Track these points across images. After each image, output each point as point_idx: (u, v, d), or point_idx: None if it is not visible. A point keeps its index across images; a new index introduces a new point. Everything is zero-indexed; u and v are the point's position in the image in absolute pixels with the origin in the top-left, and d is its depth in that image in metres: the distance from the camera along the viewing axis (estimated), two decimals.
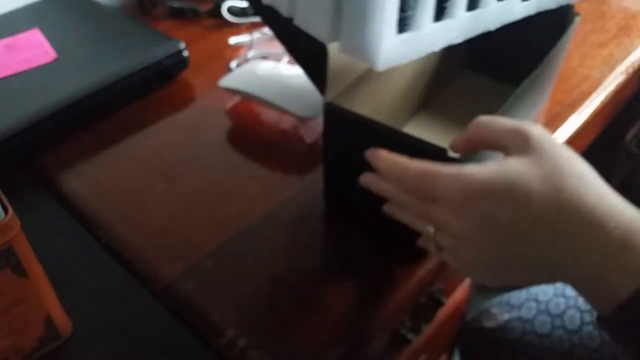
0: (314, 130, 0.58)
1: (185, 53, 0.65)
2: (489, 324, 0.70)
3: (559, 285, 0.67)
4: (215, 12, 0.77)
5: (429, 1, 0.38)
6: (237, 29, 0.76)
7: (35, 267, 0.38)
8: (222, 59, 0.70)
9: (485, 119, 0.37)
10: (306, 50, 0.45)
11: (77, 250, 0.49)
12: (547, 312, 0.65)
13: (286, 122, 0.60)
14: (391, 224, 0.42)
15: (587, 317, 0.62)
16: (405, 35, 0.38)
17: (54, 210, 0.53)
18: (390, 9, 0.36)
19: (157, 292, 0.45)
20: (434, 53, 0.41)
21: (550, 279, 0.35)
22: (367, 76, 0.49)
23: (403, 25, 0.37)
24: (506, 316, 0.68)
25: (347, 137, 0.44)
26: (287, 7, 0.41)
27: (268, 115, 0.62)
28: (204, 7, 0.79)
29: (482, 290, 0.85)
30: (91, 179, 0.54)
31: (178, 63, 0.65)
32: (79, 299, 0.44)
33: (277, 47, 0.71)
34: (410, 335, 0.55)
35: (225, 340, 0.41)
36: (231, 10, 0.76)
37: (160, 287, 0.45)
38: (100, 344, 0.42)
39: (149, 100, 0.64)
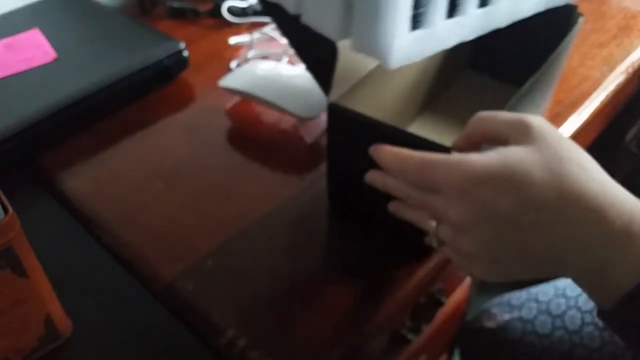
0: (314, 130, 0.58)
1: (185, 53, 0.65)
2: (489, 324, 0.70)
3: (560, 285, 0.67)
4: (215, 12, 0.77)
5: None
6: (237, 29, 0.76)
7: (35, 267, 0.37)
8: (222, 59, 0.70)
9: (484, 113, 0.37)
10: (314, 49, 0.45)
11: (77, 250, 0.49)
12: (548, 313, 0.65)
13: (286, 122, 0.60)
14: (395, 222, 0.42)
15: (588, 318, 0.62)
16: (417, 32, 0.37)
17: (54, 210, 0.53)
18: (403, 6, 0.35)
19: (157, 292, 0.45)
20: (438, 53, 0.41)
21: (551, 272, 0.34)
22: (371, 77, 0.49)
23: (416, 22, 0.37)
24: (506, 316, 0.68)
25: (351, 137, 0.44)
26: (294, 4, 0.40)
27: (268, 115, 0.62)
28: (204, 7, 0.79)
29: (482, 290, 0.85)
30: (91, 179, 0.54)
31: (178, 63, 0.65)
32: (79, 299, 0.44)
33: (277, 47, 0.71)
34: (410, 335, 0.55)
35: (225, 340, 0.41)
36: (231, 10, 0.76)
37: (160, 287, 0.45)
38: (100, 344, 0.42)
39: (149, 100, 0.64)
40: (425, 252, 0.46)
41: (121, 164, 0.56)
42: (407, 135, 0.40)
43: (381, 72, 0.49)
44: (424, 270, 0.46)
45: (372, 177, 0.40)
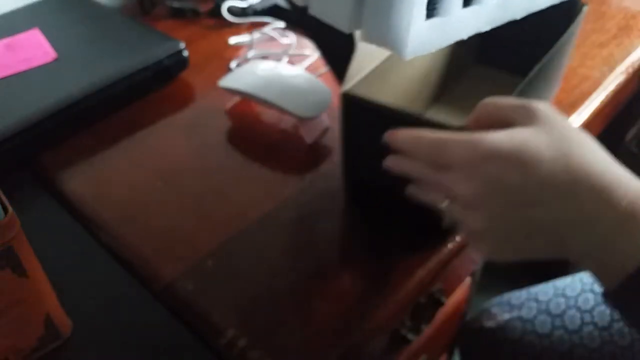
0: (314, 130, 0.58)
1: (185, 53, 0.65)
2: (489, 323, 0.70)
3: (560, 285, 0.67)
4: (215, 12, 0.77)
5: None
6: (237, 29, 0.76)
7: (35, 267, 0.37)
8: (222, 59, 0.70)
9: (492, 98, 0.37)
10: (331, 40, 0.45)
11: (77, 250, 0.49)
12: (548, 312, 0.65)
13: (286, 122, 0.60)
14: (410, 208, 0.42)
15: (588, 317, 0.62)
16: (433, 20, 0.37)
17: (54, 210, 0.53)
18: None
19: (157, 292, 0.45)
20: (447, 46, 0.41)
21: (557, 251, 0.34)
22: (380, 70, 0.49)
23: (432, 9, 0.36)
24: (506, 316, 0.68)
25: (365, 125, 0.44)
26: None
27: (268, 115, 0.62)
28: (204, 7, 0.79)
29: (482, 290, 0.85)
30: (91, 179, 0.54)
31: (178, 63, 0.65)
32: (79, 299, 0.44)
33: (277, 47, 0.72)
34: (410, 335, 0.55)
35: (225, 340, 0.41)
36: (231, 10, 0.76)
37: (160, 287, 0.45)
38: (100, 344, 0.42)
39: (149, 100, 0.64)
40: (438, 236, 0.47)
41: (121, 164, 0.56)
42: (420, 118, 0.41)
43: (390, 65, 0.49)
44: (424, 270, 0.46)
45: (389, 161, 0.40)
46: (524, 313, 0.67)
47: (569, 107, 0.62)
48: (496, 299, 0.72)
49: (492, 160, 0.33)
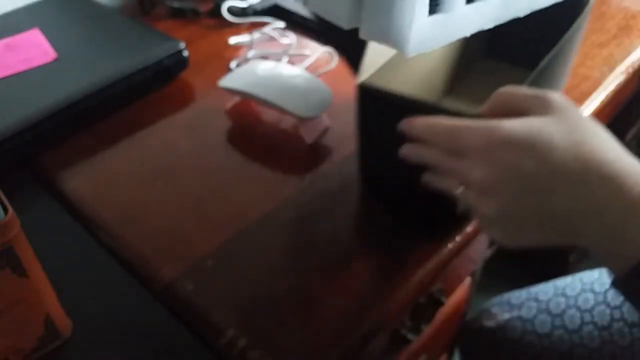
0: (314, 130, 0.58)
1: (185, 53, 0.65)
2: (489, 323, 0.70)
3: (560, 285, 0.67)
4: (215, 12, 0.77)
5: None
6: (237, 29, 0.76)
7: (35, 267, 0.38)
8: (222, 59, 0.70)
9: (507, 88, 0.38)
10: (344, 32, 0.45)
11: (77, 250, 0.49)
12: (548, 312, 0.65)
13: (286, 122, 0.60)
14: (424, 197, 0.43)
15: (588, 317, 0.62)
16: (436, 17, 0.36)
17: (54, 210, 0.53)
18: None
19: (157, 292, 0.45)
20: (456, 41, 0.41)
21: (567, 238, 0.35)
22: (392, 65, 0.50)
23: (435, 5, 0.36)
24: (506, 316, 0.68)
25: (380, 116, 0.45)
26: None
27: (268, 115, 0.62)
28: (204, 7, 0.79)
29: (482, 289, 0.85)
30: (91, 179, 0.54)
31: (178, 63, 0.65)
32: (79, 299, 0.44)
33: (277, 47, 0.72)
34: (410, 335, 0.55)
35: (225, 340, 0.41)
36: (231, 10, 0.76)
37: (160, 287, 0.45)
38: (100, 344, 0.42)
39: (149, 100, 0.64)
40: (449, 227, 0.48)
41: (121, 164, 0.56)
42: (436, 107, 0.41)
43: (401, 59, 0.49)
44: (424, 270, 0.46)
45: (406, 150, 0.41)
46: (524, 313, 0.67)
47: None
48: (496, 299, 0.72)
49: (507, 147, 0.34)
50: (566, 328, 0.63)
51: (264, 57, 0.69)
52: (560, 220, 0.34)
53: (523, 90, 0.37)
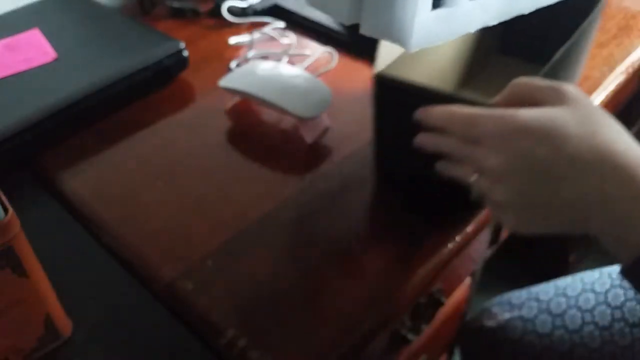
0: (314, 130, 0.58)
1: (185, 53, 0.65)
2: (490, 323, 0.70)
3: (560, 285, 0.67)
4: (215, 12, 0.77)
5: None
6: (237, 29, 0.76)
7: (35, 267, 0.37)
8: (222, 59, 0.70)
9: (523, 78, 0.39)
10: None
11: (77, 250, 0.49)
12: (548, 312, 0.65)
13: (286, 122, 0.60)
14: (439, 184, 0.44)
15: (588, 317, 0.62)
16: (439, 11, 0.36)
17: (54, 210, 0.53)
18: None
19: (157, 292, 0.45)
20: (470, 36, 0.41)
21: (578, 225, 0.36)
22: (406, 59, 0.50)
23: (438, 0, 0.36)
24: (507, 315, 0.68)
25: (397, 106, 0.45)
26: None
27: (268, 115, 0.62)
28: (204, 7, 0.79)
29: (482, 289, 0.85)
30: (91, 179, 0.54)
31: (178, 63, 0.65)
32: (79, 299, 0.44)
33: (277, 47, 0.72)
34: (410, 335, 0.55)
35: (225, 340, 0.41)
36: (231, 10, 0.76)
37: (160, 287, 0.45)
38: (100, 344, 0.42)
39: (149, 100, 0.64)
40: (463, 212, 0.49)
41: (121, 164, 0.56)
42: (452, 96, 0.42)
43: (415, 54, 0.49)
44: (424, 270, 0.46)
45: (421, 138, 0.42)
46: (525, 313, 0.67)
47: None
48: (497, 299, 0.72)
49: (522, 135, 0.35)
50: (567, 328, 0.63)
51: (264, 57, 0.69)
52: (572, 207, 0.35)
53: (538, 82, 0.38)
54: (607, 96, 0.65)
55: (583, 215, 0.35)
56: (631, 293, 0.61)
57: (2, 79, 0.60)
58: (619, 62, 0.68)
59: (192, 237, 0.48)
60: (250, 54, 0.70)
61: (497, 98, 0.40)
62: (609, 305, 0.62)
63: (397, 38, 0.35)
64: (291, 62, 0.69)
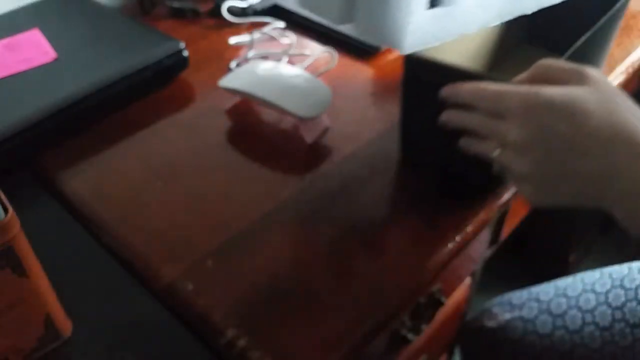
0: (314, 130, 0.58)
1: (185, 53, 0.65)
2: (490, 323, 0.70)
3: (561, 285, 0.67)
4: (215, 12, 0.77)
5: None
6: (237, 29, 0.76)
7: (35, 267, 0.37)
8: (222, 59, 0.70)
9: (547, 60, 0.42)
10: None
11: (77, 250, 0.49)
12: (549, 312, 0.65)
13: (286, 122, 0.60)
14: (463, 163, 0.46)
15: (589, 317, 0.62)
16: (436, 11, 0.36)
17: (54, 210, 0.53)
18: None
19: (157, 292, 0.45)
20: (496, 26, 0.41)
21: (593, 198, 0.38)
22: (432, 49, 0.50)
23: None
24: (507, 316, 0.68)
25: (425, 84, 0.46)
26: None
27: (268, 115, 0.62)
28: (204, 7, 0.79)
29: (482, 289, 0.85)
30: (91, 179, 0.54)
31: (178, 63, 0.65)
32: (79, 299, 0.44)
33: (277, 47, 0.71)
34: (410, 335, 0.55)
35: (225, 340, 0.41)
36: (231, 10, 0.76)
37: (160, 287, 0.45)
38: (100, 344, 0.42)
39: (149, 100, 0.64)
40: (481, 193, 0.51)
41: (121, 164, 0.56)
42: (478, 74, 0.43)
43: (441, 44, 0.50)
44: (424, 270, 0.46)
45: (447, 115, 0.44)
46: (525, 313, 0.67)
47: None
48: (497, 299, 0.72)
49: (545, 111, 0.37)
50: (567, 328, 0.63)
51: (264, 57, 0.69)
52: (588, 180, 0.37)
53: (562, 63, 0.41)
54: None
55: (598, 188, 0.37)
56: (632, 293, 0.61)
57: (2, 79, 0.60)
58: (619, 62, 0.68)
59: (192, 237, 0.48)
60: (250, 54, 0.70)
61: (522, 76, 0.43)
62: (609, 305, 0.62)
63: (391, 40, 0.35)
64: (291, 62, 0.69)
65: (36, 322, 0.40)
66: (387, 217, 0.50)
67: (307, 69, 0.67)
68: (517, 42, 0.66)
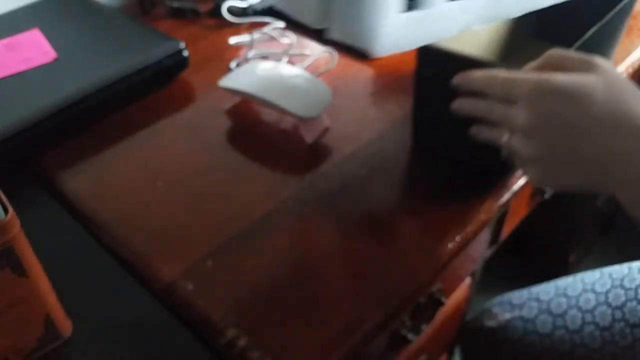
0: (314, 130, 0.58)
1: (185, 53, 0.65)
2: (490, 323, 0.70)
3: (561, 285, 0.67)
4: (215, 12, 0.77)
5: None
6: (237, 29, 0.76)
7: (35, 267, 0.37)
8: (222, 59, 0.70)
9: (557, 50, 0.43)
10: None
11: (77, 250, 0.49)
12: (549, 312, 0.65)
13: (286, 122, 0.60)
14: (473, 149, 0.47)
15: (589, 317, 0.62)
16: (412, 14, 0.35)
17: (54, 210, 0.53)
18: None
19: (157, 292, 0.45)
20: (503, 23, 0.41)
21: (598, 182, 0.39)
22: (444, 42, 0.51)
23: (411, 1, 0.35)
24: (507, 316, 0.68)
25: (437, 73, 0.47)
26: None
27: (268, 115, 0.62)
28: (204, 7, 0.79)
29: (482, 289, 0.85)
30: (91, 179, 0.54)
31: (178, 63, 0.65)
32: (79, 299, 0.44)
33: (277, 47, 0.71)
34: (410, 335, 0.55)
35: (225, 340, 0.41)
36: (231, 10, 0.76)
37: (160, 287, 0.45)
38: (100, 344, 0.42)
39: (149, 100, 0.64)
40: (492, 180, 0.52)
41: (121, 164, 0.56)
42: (489, 62, 0.45)
43: (451, 39, 0.50)
44: (424, 270, 0.46)
45: (459, 103, 0.46)
46: (525, 313, 0.67)
47: None
48: (497, 299, 0.72)
49: (554, 97, 0.38)
50: (567, 328, 0.63)
51: (264, 57, 0.69)
52: (593, 164, 0.38)
53: (571, 53, 0.42)
54: None
55: (603, 173, 0.38)
56: (632, 293, 0.61)
57: (2, 79, 0.60)
58: (619, 62, 0.68)
59: (192, 237, 0.48)
60: (250, 54, 0.70)
61: (532, 65, 0.44)
62: (609, 305, 0.62)
63: (364, 43, 0.35)
64: (291, 62, 0.69)
65: (36, 322, 0.40)
66: (387, 217, 0.50)
67: (307, 69, 0.67)
68: (526, 37, 0.66)
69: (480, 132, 0.46)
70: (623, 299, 0.61)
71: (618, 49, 0.70)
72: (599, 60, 0.40)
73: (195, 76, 0.67)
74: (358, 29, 0.34)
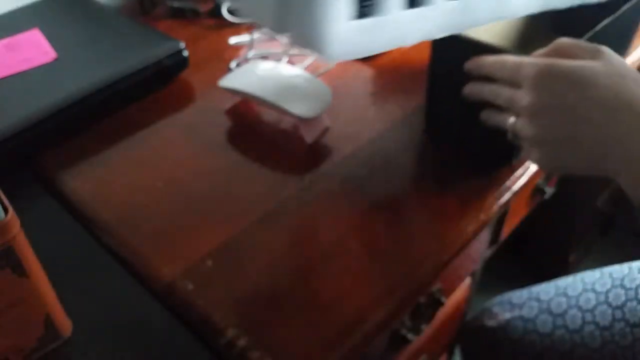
0: (314, 130, 0.58)
1: (185, 53, 0.65)
2: (490, 323, 0.70)
3: (561, 285, 0.67)
4: (215, 12, 0.77)
5: None
6: (237, 29, 0.76)
7: (35, 267, 0.37)
8: (222, 59, 0.70)
9: (565, 39, 0.45)
10: None
11: (77, 250, 0.49)
12: (549, 312, 0.65)
13: (286, 122, 0.60)
14: (482, 135, 0.49)
15: (589, 317, 0.62)
16: (365, 22, 0.34)
17: (54, 210, 0.53)
18: None
19: (157, 292, 0.45)
20: (520, 18, 0.42)
21: (601, 165, 0.40)
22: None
23: (363, 8, 0.34)
24: (507, 315, 0.68)
25: (451, 59, 0.48)
26: None
27: (268, 115, 0.62)
28: (204, 7, 0.79)
29: (482, 289, 0.85)
30: (91, 179, 0.54)
31: (178, 63, 0.65)
32: (79, 299, 0.44)
33: (277, 47, 0.71)
34: (410, 335, 0.55)
35: (225, 340, 0.41)
36: (231, 10, 0.76)
37: (160, 287, 0.45)
38: (100, 344, 0.42)
39: (149, 100, 0.64)
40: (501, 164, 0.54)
41: (121, 164, 0.56)
42: (501, 49, 0.46)
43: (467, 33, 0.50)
44: (424, 270, 0.46)
45: (470, 87, 0.48)
46: (525, 312, 0.67)
47: None
48: (497, 298, 0.72)
49: (558, 81, 0.40)
50: (567, 328, 0.63)
51: (264, 57, 0.69)
52: (593, 146, 0.39)
53: (579, 42, 0.44)
54: None
55: (602, 154, 0.39)
56: (632, 293, 0.61)
57: (2, 79, 0.60)
58: None
59: (192, 237, 0.48)
60: (250, 54, 0.70)
61: (541, 51, 0.45)
62: (609, 305, 0.62)
63: (317, 49, 0.34)
64: (291, 62, 0.69)
65: (36, 322, 0.40)
66: (387, 217, 0.50)
67: (307, 69, 0.67)
68: (542, 32, 0.67)
69: (490, 117, 0.48)
70: (623, 298, 0.61)
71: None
72: (605, 48, 0.42)
73: (195, 76, 0.67)
74: (312, 35, 0.33)
